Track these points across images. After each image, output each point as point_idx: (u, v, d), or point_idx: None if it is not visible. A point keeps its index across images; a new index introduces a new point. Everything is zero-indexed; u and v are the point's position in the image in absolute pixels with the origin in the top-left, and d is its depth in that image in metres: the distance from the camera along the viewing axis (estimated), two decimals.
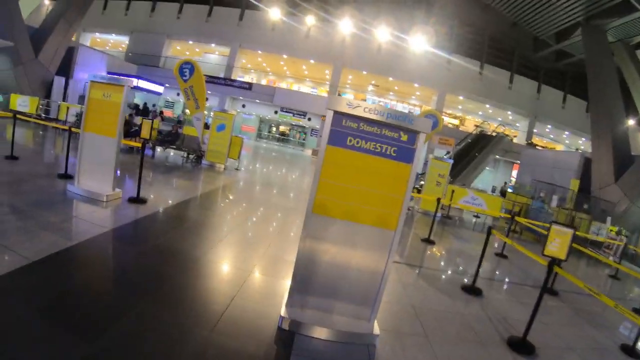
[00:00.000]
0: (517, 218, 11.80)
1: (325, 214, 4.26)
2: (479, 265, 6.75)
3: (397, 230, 4.24)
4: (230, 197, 10.88)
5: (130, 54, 39.61)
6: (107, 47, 46.73)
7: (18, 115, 11.22)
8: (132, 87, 30.57)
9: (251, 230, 7.91)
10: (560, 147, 44.88)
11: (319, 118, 38.32)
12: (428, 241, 10.03)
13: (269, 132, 45.79)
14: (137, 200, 8.06)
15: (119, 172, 8.21)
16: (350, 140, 4.09)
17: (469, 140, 31.87)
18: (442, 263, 8.82)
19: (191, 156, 16.45)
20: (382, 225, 4.26)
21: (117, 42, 45.34)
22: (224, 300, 4.65)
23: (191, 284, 4.92)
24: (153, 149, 16.41)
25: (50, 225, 5.81)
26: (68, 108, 18.83)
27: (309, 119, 39.41)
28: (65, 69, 25.58)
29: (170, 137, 16.15)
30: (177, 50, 43.45)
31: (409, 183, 4.16)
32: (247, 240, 7.19)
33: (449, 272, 8.08)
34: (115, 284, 4.62)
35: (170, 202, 8.74)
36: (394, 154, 4.12)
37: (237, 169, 16.14)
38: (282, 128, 45.84)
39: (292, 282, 4.39)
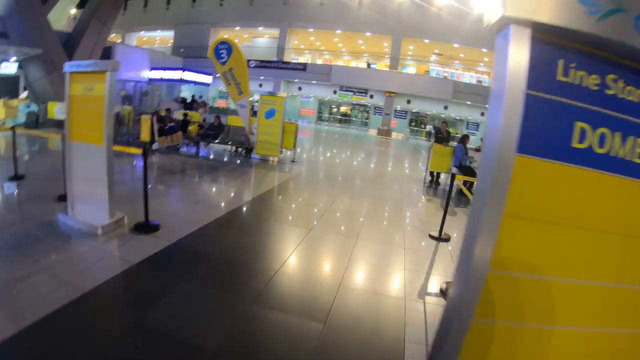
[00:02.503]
0: None
1: None
2: None
3: None
4: (280, 208, 8.29)
5: (178, 48, 38.18)
6: (156, 44, 45.88)
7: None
8: (160, 80, 29.76)
9: (307, 275, 5.32)
10: None
11: (382, 94, 35.33)
12: None
13: (330, 113, 43.42)
14: (146, 227, 5.74)
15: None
16: (586, 134, 1.27)
17: None
18: None
19: (240, 150, 14.19)
20: None
21: (164, 38, 43.98)
22: None
23: None
24: (197, 145, 14.27)
25: None
26: None
27: (371, 97, 36.49)
28: None
29: (214, 130, 13.88)
30: (225, 38, 41.29)
31: None
32: (297, 300, 4.62)
33: None
34: None
35: (194, 224, 6.25)
36: None
37: (293, 161, 13.66)
38: (342, 109, 43.30)
39: None
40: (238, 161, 12.98)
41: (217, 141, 13.86)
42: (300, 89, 38.24)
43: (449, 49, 36.73)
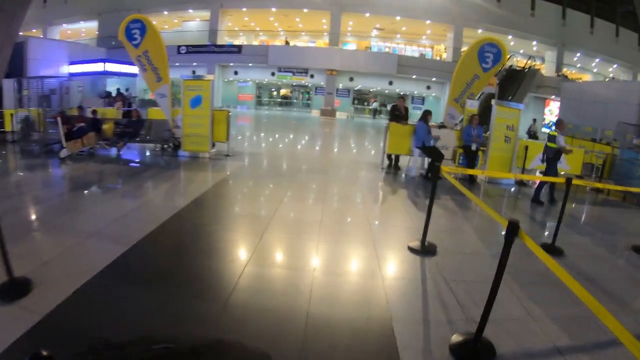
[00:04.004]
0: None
1: None
2: None
3: None
4: (205, 229, 5.95)
5: (104, 39, 34.70)
6: (82, 37, 41.72)
7: None
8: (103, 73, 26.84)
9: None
10: (587, 77, 40.31)
11: (324, 73, 33.62)
12: (553, 250, 5.60)
13: (270, 97, 41.51)
14: (10, 289, 3.71)
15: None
16: None
17: (498, 81, 27.31)
18: None
19: (166, 147, 11.97)
20: None
21: (90, 29, 39.93)
22: None
23: None
24: (117, 146, 11.83)
25: None
26: (12, 115, 13.89)
27: (312, 76, 34.82)
28: (19, 68, 21.26)
29: (132, 127, 11.61)
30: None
31: None
32: None
33: None
34: None
35: (84, 273, 4.18)
36: None
37: (227, 156, 11.62)
38: (282, 91, 41.43)
39: None
40: (162, 162, 10.86)
41: (137, 140, 11.65)
42: (236, 73, 36.20)
43: (390, 23, 35.63)
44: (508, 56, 30.30)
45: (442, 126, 11.34)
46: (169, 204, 6.99)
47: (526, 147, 10.87)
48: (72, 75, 26.12)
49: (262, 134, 20.22)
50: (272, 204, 7.18)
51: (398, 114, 11.26)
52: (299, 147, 16.07)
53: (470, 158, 10.21)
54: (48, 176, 9.22)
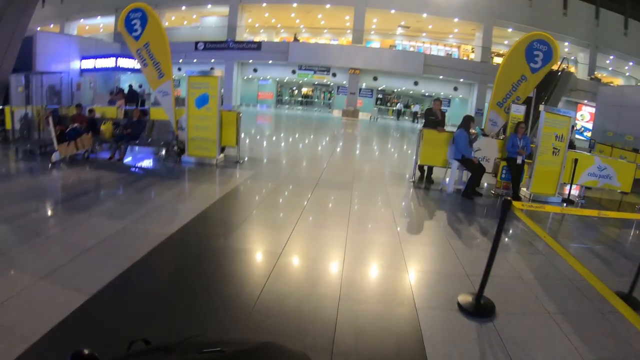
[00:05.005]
0: None
1: None
2: None
3: None
4: (191, 273, 4.42)
5: (119, 34, 33.94)
6: (100, 32, 41.53)
7: None
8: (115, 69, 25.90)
9: None
10: (619, 81, 38.17)
11: (346, 72, 32.35)
12: (631, 301, 4.13)
13: (291, 96, 40.48)
14: None
15: None
16: None
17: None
18: None
19: (170, 152, 10.76)
20: None
21: (107, 24, 39.69)
22: None
23: None
24: (119, 149, 10.51)
25: None
26: (13, 112, 12.74)
27: (334, 75, 33.61)
28: (28, 64, 20.45)
29: (132, 129, 10.40)
30: (172, 20, 38.66)
31: None
32: None
33: None
34: None
35: (28, 335, 2.97)
36: None
37: (237, 162, 10.35)
38: (304, 90, 40.41)
39: None
40: (164, 169, 9.65)
41: (137, 142, 10.45)
42: (255, 70, 35.30)
43: (416, 20, 34.36)
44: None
45: (482, 135, 9.92)
46: (154, 230, 5.52)
47: (575, 160, 9.37)
48: (83, 71, 25.28)
49: (280, 136, 18.98)
50: (281, 235, 5.70)
51: (433, 119, 9.83)
52: (319, 152, 14.70)
53: (515, 172, 8.75)
54: (30, 185, 7.99)
